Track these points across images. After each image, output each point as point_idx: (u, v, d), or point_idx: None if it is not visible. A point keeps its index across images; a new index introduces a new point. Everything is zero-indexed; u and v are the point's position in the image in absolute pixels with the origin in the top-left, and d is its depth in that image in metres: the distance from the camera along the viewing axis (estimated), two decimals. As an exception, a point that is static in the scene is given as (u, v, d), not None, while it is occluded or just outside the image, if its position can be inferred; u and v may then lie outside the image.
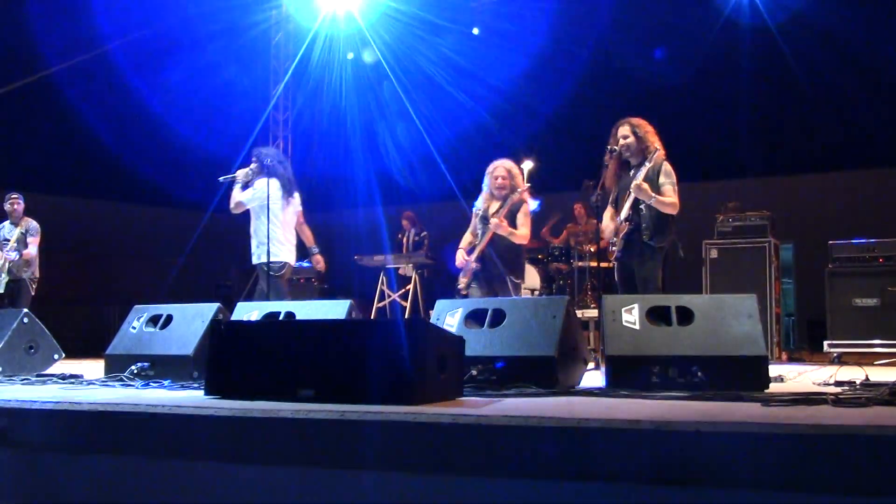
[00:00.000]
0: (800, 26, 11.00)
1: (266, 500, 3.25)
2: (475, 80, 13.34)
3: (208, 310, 5.18)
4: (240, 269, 12.99)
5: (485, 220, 6.58)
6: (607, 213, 6.04)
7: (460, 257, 6.67)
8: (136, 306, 5.50)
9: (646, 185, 5.66)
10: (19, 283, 8.39)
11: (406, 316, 9.56)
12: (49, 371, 5.70)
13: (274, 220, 6.88)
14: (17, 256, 8.35)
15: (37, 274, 8.56)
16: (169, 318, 5.26)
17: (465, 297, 6.48)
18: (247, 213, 7.14)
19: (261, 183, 6.93)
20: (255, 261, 6.99)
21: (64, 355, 6.09)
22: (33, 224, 8.56)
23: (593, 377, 4.84)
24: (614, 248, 5.96)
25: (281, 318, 5.19)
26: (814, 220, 10.26)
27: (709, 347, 4.21)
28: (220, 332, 3.96)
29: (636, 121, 5.96)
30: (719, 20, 11.56)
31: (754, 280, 7.91)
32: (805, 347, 9.15)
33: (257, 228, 6.95)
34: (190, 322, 5.14)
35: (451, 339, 3.98)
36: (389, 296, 10.27)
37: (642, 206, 5.73)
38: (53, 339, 6.03)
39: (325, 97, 14.05)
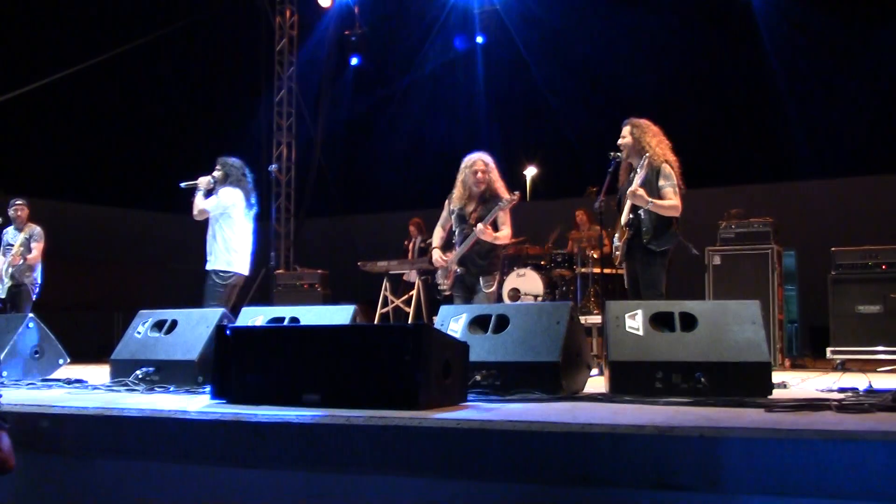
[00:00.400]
0: (803, 34, 11.05)
1: (271, 504, 3.26)
2: (481, 88, 13.40)
3: (213, 315, 5.20)
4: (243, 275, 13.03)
5: (462, 219, 6.30)
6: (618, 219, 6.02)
7: (437, 257, 6.42)
8: (141, 311, 5.52)
9: (641, 191, 5.61)
10: (20, 287, 8.41)
11: (410, 322, 9.56)
12: (54, 375, 5.72)
13: (234, 229, 6.96)
14: (22, 261, 8.38)
15: (38, 279, 8.58)
16: (174, 324, 5.27)
17: (449, 297, 6.37)
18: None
19: (225, 192, 6.98)
20: (208, 267, 6.99)
21: (69, 360, 6.11)
22: (37, 229, 8.59)
23: (597, 383, 4.85)
24: (618, 254, 5.95)
25: (286, 323, 5.21)
26: (817, 226, 10.27)
27: (712, 353, 4.22)
28: (226, 338, 3.97)
29: (637, 121, 5.93)
30: (719, 26, 11.61)
31: (757, 286, 7.90)
32: (808, 354, 9.14)
33: (215, 235, 6.98)
34: (195, 327, 5.15)
35: (456, 344, 3.99)
36: (393, 302, 10.28)
37: (641, 211, 5.70)
38: (59, 344, 6.05)
39: (326, 101, 14.10)
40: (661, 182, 5.70)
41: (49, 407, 3.72)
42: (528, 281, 9.36)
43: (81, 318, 10.35)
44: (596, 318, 8.29)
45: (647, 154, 5.71)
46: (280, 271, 12.14)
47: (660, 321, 4.45)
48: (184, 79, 13.47)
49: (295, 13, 13.77)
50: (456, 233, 6.37)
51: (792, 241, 9.00)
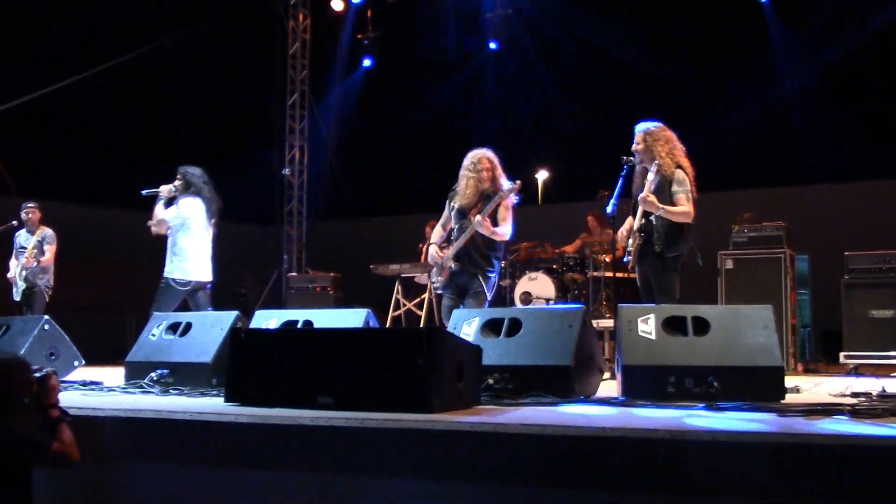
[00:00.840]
0: (813, 36, 11.03)
1: (286, 506, 3.28)
2: (493, 90, 13.43)
3: (227, 318, 5.23)
4: (255, 277, 13.09)
5: (462, 214, 6.08)
6: (628, 221, 6.01)
7: (434, 252, 6.23)
8: (156, 313, 5.56)
9: (652, 198, 5.60)
10: (34, 290, 8.46)
11: (421, 325, 9.58)
12: (69, 377, 5.75)
13: (193, 239, 7.00)
14: (35, 264, 8.44)
15: (52, 282, 8.64)
16: (188, 326, 5.31)
17: (439, 296, 6.24)
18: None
19: (185, 202, 7.01)
20: (165, 274, 7.02)
21: (84, 362, 6.15)
22: (49, 232, 8.65)
23: (609, 387, 4.85)
24: (630, 259, 5.94)
25: (299, 326, 5.23)
26: (830, 230, 10.23)
27: (725, 357, 4.22)
28: (241, 341, 4.01)
29: (650, 127, 5.91)
30: (734, 30, 11.60)
31: (770, 291, 7.87)
32: (821, 359, 9.11)
33: (174, 244, 7.01)
34: (209, 330, 5.18)
35: (469, 348, 4.01)
36: (405, 305, 10.30)
37: (653, 217, 5.69)
38: (74, 346, 6.10)
39: (339, 105, 14.15)
40: (674, 188, 5.69)
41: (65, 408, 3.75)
42: (539, 284, 9.36)
43: (95, 320, 10.41)
44: (608, 322, 8.28)
45: (658, 160, 5.71)
46: (292, 274, 12.18)
47: (672, 325, 4.45)
48: (198, 83, 13.53)
49: (308, 17, 13.82)
50: (455, 229, 6.18)
51: (805, 245, 8.97)
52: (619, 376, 4.48)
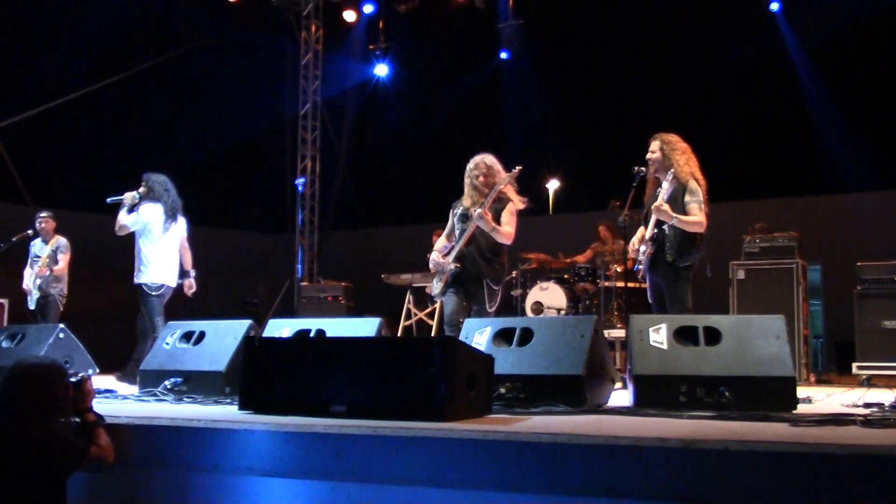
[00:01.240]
0: (826, 46, 11.03)
1: (299, 513, 3.31)
2: (504, 101, 13.47)
3: (240, 327, 5.27)
4: (267, 286, 13.14)
5: (465, 217, 5.98)
6: (640, 230, 6.02)
7: (435, 257, 6.06)
8: (170, 322, 5.60)
9: (666, 206, 5.60)
10: (48, 298, 8.53)
11: (433, 335, 9.60)
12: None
13: (155, 244, 7.22)
14: (49, 273, 8.50)
15: (65, 291, 8.70)
16: (202, 335, 5.35)
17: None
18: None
19: (145, 208, 7.24)
20: (136, 281, 7.26)
21: (98, 370, 6.19)
22: (63, 241, 8.71)
23: (621, 397, 4.86)
24: (640, 268, 5.95)
25: (312, 335, 5.26)
26: (842, 241, 10.20)
27: (736, 367, 4.22)
28: (255, 349, 4.04)
29: (667, 137, 5.92)
30: (747, 40, 11.60)
31: (782, 301, 7.85)
32: (833, 370, 9.07)
33: (140, 250, 7.25)
34: (222, 338, 5.22)
35: (481, 357, 4.03)
36: (416, 314, 10.32)
37: (665, 226, 5.70)
38: (88, 354, 6.14)
39: (351, 115, 14.21)
40: (687, 198, 5.69)
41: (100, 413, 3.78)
42: (551, 295, 9.38)
43: (109, 328, 10.46)
44: (619, 332, 8.28)
45: (675, 169, 5.72)
46: (304, 283, 12.22)
47: (684, 335, 4.46)
48: (211, 92, 13.63)
49: (320, 28, 13.91)
50: (457, 233, 6.05)
51: (817, 255, 8.95)
52: (630, 386, 4.49)
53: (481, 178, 5.96)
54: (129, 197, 7.25)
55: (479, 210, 5.75)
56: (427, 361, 3.60)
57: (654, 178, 5.95)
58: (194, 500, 3.48)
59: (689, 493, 2.84)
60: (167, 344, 5.42)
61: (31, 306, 8.59)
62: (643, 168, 5.96)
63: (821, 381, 8.18)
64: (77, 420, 3.58)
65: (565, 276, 9.63)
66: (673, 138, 5.89)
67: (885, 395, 4.93)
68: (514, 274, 9.95)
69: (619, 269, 9.16)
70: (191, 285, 7.62)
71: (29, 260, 8.71)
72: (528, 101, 13.14)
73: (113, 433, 3.61)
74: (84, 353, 6.11)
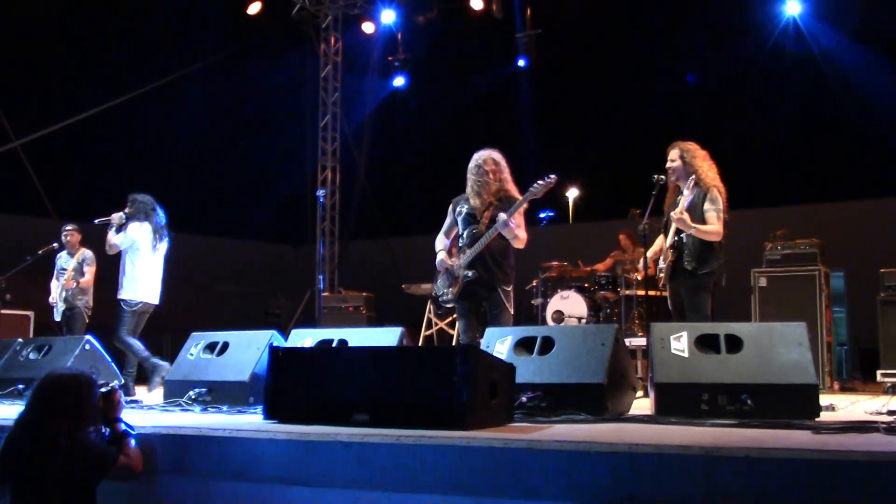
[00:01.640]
0: (846, 51, 10.97)
1: (323, 521, 3.34)
2: (522, 109, 13.49)
3: (263, 337, 5.33)
4: (288, 297, 13.23)
5: (472, 218, 5.74)
6: (660, 238, 6.03)
7: (444, 258, 5.86)
8: (194, 333, 5.66)
9: (685, 216, 5.61)
10: (74, 311, 8.62)
11: (454, 344, 9.62)
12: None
13: (142, 262, 7.42)
14: (75, 285, 8.60)
15: (90, 303, 8.79)
16: (225, 345, 5.41)
17: (452, 308, 5.96)
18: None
19: (134, 227, 7.45)
20: (118, 296, 7.45)
21: (123, 381, 6.27)
22: (89, 254, 8.81)
23: (642, 405, 4.86)
24: (661, 276, 5.96)
25: (335, 345, 5.30)
26: (865, 247, 10.12)
27: (758, 375, 4.21)
28: (279, 359, 4.08)
29: (686, 145, 5.94)
30: (767, 45, 11.57)
31: (804, 308, 7.80)
32: (858, 377, 9.00)
33: (125, 267, 7.45)
34: (245, 349, 5.28)
35: (502, 366, 4.06)
36: (437, 324, 10.35)
37: (684, 235, 5.72)
38: (113, 366, 6.22)
39: (370, 126, 14.29)
40: (707, 205, 5.72)
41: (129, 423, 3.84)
42: (571, 303, 9.37)
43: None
44: (640, 341, 8.26)
45: (695, 177, 5.74)
46: (325, 294, 12.28)
47: (705, 343, 4.46)
48: (232, 104, 13.76)
49: (339, 40, 14.02)
50: (464, 235, 5.81)
51: (841, 262, 8.89)
52: (651, 394, 4.49)
53: (491, 175, 5.75)
54: (116, 217, 7.53)
55: (503, 217, 5.51)
56: (449, 370, 3.63)
57: (673, 186, 5.96)
58: (220, 508, 3.53)
59: (711, 501, 2.85)
60: (191, 355, 5.48)
61: (57, 318, 8.69)
62: (662, 176, 5.97)
63: (845, 389, 8.12)
64: (107, 430, 3.64)
65: (586, 285, 9.62)
66: (691, 146, 5.91)
67: (909, 403, 4.89)
68: (534, 283, 9.97)
69: (639, 278, 9.15)
70: None
71: (55, 273, 8.81)
72: (546, 109, 13.15)
73: (139, 442, 3.66)
74: (109, 364, 6.20)
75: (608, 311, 9.52)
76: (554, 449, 3.09)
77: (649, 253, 6.07)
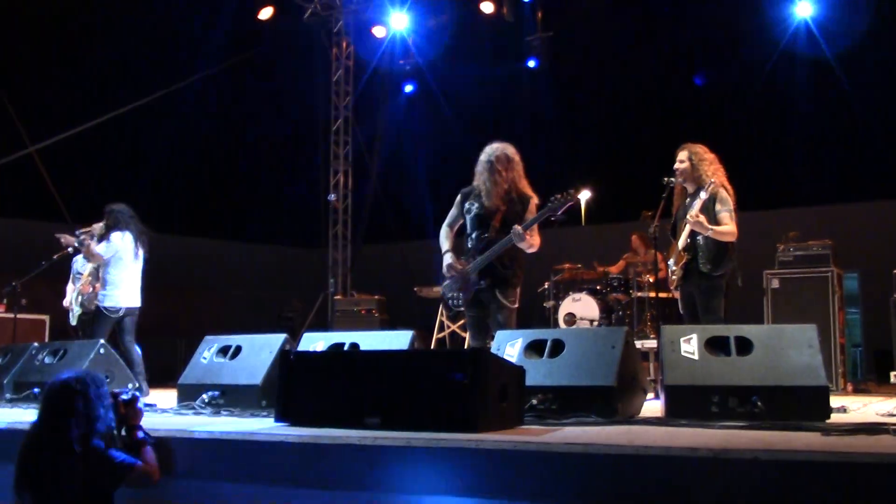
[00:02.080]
0: (859, 53, 10.94)
1: (335, 523, 3.36)
2: (534, 112, 13.51)
3: (276, 340, 5.35)
4: (301, 301, 13.27)
5: (482, 220, 5.57)
6: (672, 247, 6.03)
7: (452, 262, 5.70)
8: (207, 337, 5.69)
9: (702, 218, 5.61)
10: (90, 314, 8.69)
11: (466, 347, 9.63)
12: (124, 400, 5.90)
13: (124, 270, 7.47)
14: (91, 290, 8.66)
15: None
16: (238, 349, 5.44)
17: (462, 312, 5.79)
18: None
19: (116, 236, 7.50)
20: (97, 303, 7.54)
21: (138, 384, 6.31)
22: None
23: (653, 407, 4.86)
24: (674, 278, 5.96)
25: (346, 348, 5.33)
26: (879, 248, 10.08)
27: (768, 377, 4.21)
28: (290, 362, 4.11)
29: (694, 147, 5.94)
30: (779, 47, 11.55)
31: (817, 310, 7.78)
32: (872, 379, 8.96)
33: (106, 275, 7.50)
34: (258, 352, 5.31)
35: (512, 369, 4.07)
36: (449, 327, 10.36)
37: (699, 236, 5.72)
38: (128, 369, 6.27)
39: (383, 130, 14.33)
40: (718, 207, 5.72)
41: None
42: (583, 305, 9.38)
43: (146, 343, 10.65)
44: (652, 343, 8.26)
45: (705, 179, 5.74)
46: (338, 297, 12.33)
47: (715, 345, 4.46)
48: (245, 109, 13.84)
49: (351, 44, 14.07)
50: (473, 237, 5.65)
51: (854, 263, 8.86)
52: (662, 396, 4.50)
53: (505, 173, 5.53)
54: (97, 228, 7.65)
55: (519, 230, 5.35)
56: (459, 373, 3.65)
57: (680, 189, 5.97)
58: (233, 510, 3.56)
59: (721, 503, 2.86)
60: (204, 358, 5.52)
61: (73, 322, 8.75)
62: (672, 179, 5.98)
63: (858, 391, 8.09)
64: (125, 436, 3.67)
65: (598, 287, 9.62)
66: (700, 149, 5.91)
67: (922, 404, 4.88)
68: (546, 285, 9.97)
69: (651, 280, 9.14)
70: None
71: (71, 277, 8.88)
72: (558, 112, 13.17)
73: (154, 446, 3.70)
74: (124, 368, 6.25)
75: (620, 313, 9.51)
76: (564, 451, 3.11)
77: (668, 263, 6.08)
